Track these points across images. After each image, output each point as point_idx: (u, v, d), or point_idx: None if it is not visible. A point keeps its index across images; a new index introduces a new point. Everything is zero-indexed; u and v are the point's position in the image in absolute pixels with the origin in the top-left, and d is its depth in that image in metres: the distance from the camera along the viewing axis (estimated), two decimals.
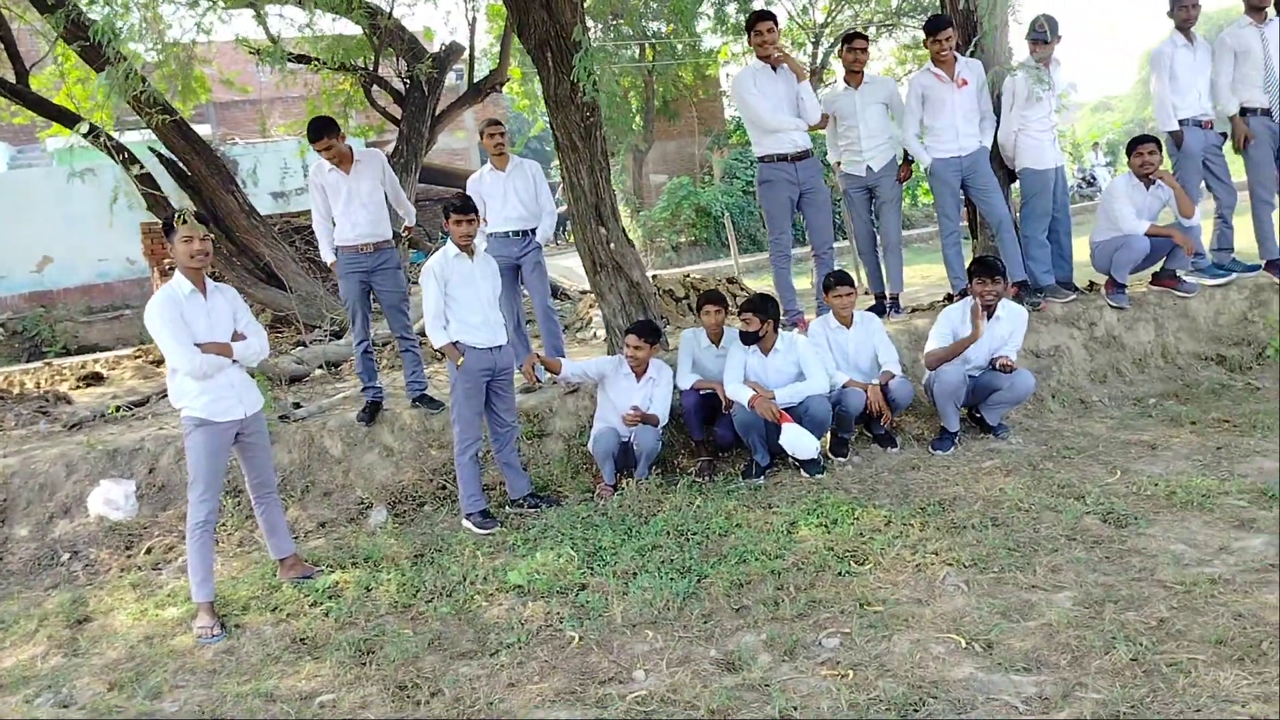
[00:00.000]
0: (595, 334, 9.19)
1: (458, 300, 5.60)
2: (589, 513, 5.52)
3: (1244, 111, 7.12)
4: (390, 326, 6.71)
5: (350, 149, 6.41)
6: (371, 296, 6.59)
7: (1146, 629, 3.50)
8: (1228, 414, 6.04)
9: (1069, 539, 4.42)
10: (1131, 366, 6.93)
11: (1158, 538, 4.32)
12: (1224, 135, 7.31)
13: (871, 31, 21.19)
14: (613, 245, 6.88)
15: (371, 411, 6.55)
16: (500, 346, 5.73)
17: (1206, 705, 2.95)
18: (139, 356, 10.86)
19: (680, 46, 21.48)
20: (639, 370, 6.00)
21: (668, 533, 5.01)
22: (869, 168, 7.22)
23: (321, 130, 6.25)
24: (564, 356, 6.65)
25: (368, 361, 6.61)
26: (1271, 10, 7.09)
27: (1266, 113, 7.04)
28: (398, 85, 12.76)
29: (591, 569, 4.73)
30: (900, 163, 7.30)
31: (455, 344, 5.57)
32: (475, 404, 5.66)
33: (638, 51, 21.63)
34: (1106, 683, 3.18)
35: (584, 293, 10.86)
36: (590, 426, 6.21)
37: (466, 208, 5.62)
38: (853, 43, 7.20)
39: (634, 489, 5.71)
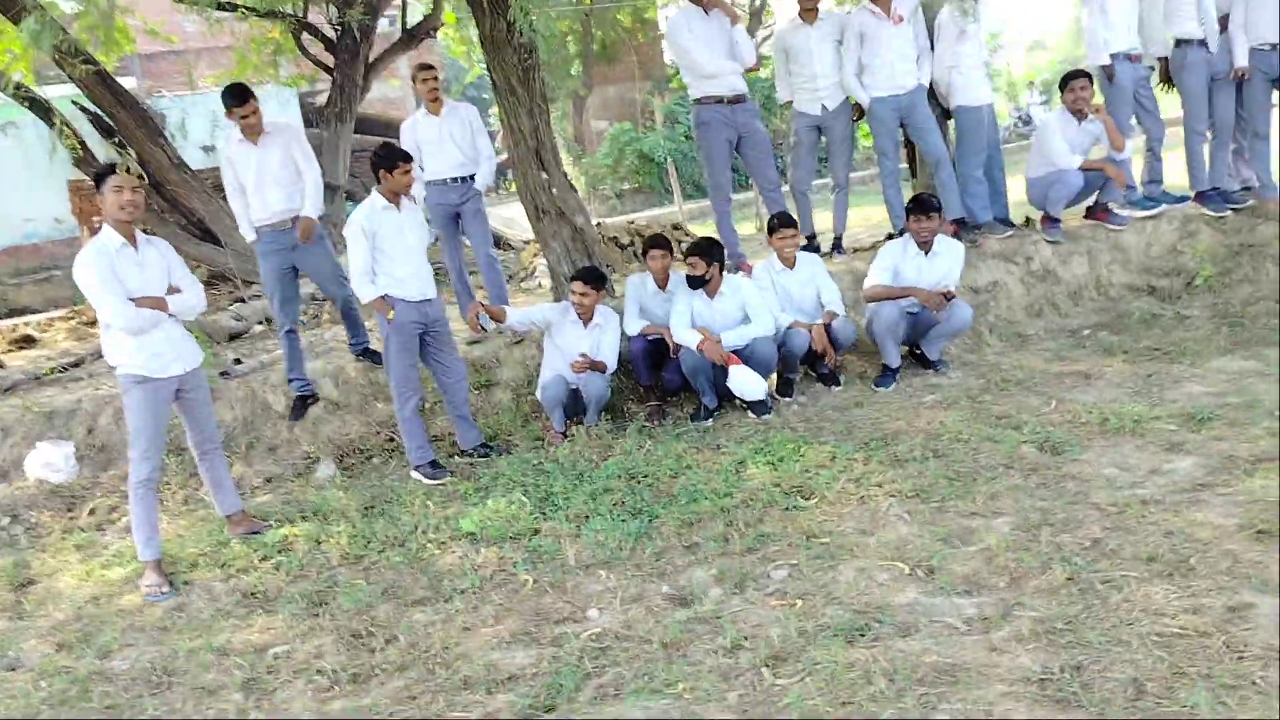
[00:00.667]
0: (540, 283, 9.15)
1: (387, 254, 5.50)
2: (540, 460, 5.54)
3: (1179, 43, 7.23)
4: (332, 297, 6.46)
5: (261, 119, 6.05)
6: (299, 274, 6.30)
7: (1081, 549, 3.62)
8: (1158, 343, 6.20)
9: (1007, 467, 4.53)
10: (1066, 299, 7.08)
11: (1091, 463, 4.46)
12: (1152, 69, 7.43)
13: None
14: (555, 191, 6.82)
15: (299, 407, 6.29)
16: (431, 299, 5.66)
17: (1138, 619, 3.07)
18: (72, 318, 10.61)
19: None
20: (585, 317, 5.99)
21: (619, 476, 5.05)
22: (824, 106, 7.20)
23: (246, 94, 5.90)
24: (508, 305, 6.61)
25: (294, 348, 6.28)
26: None
27: (1202, 44, 7.15)
28: (329, 32, 12.43)
29: (544, 514, 4.76)
30: (853, 103, 7.29)
31: (384, 297, 5.50)
32: (409, 357, 5.61)
33: None
34: (1043, 601, 3.29)
35: (527, 242, 10.79)
36: (538, 375, 6.21)
37: (409, 157, 5.55)
38: None
39: (584, 435, 5.74)
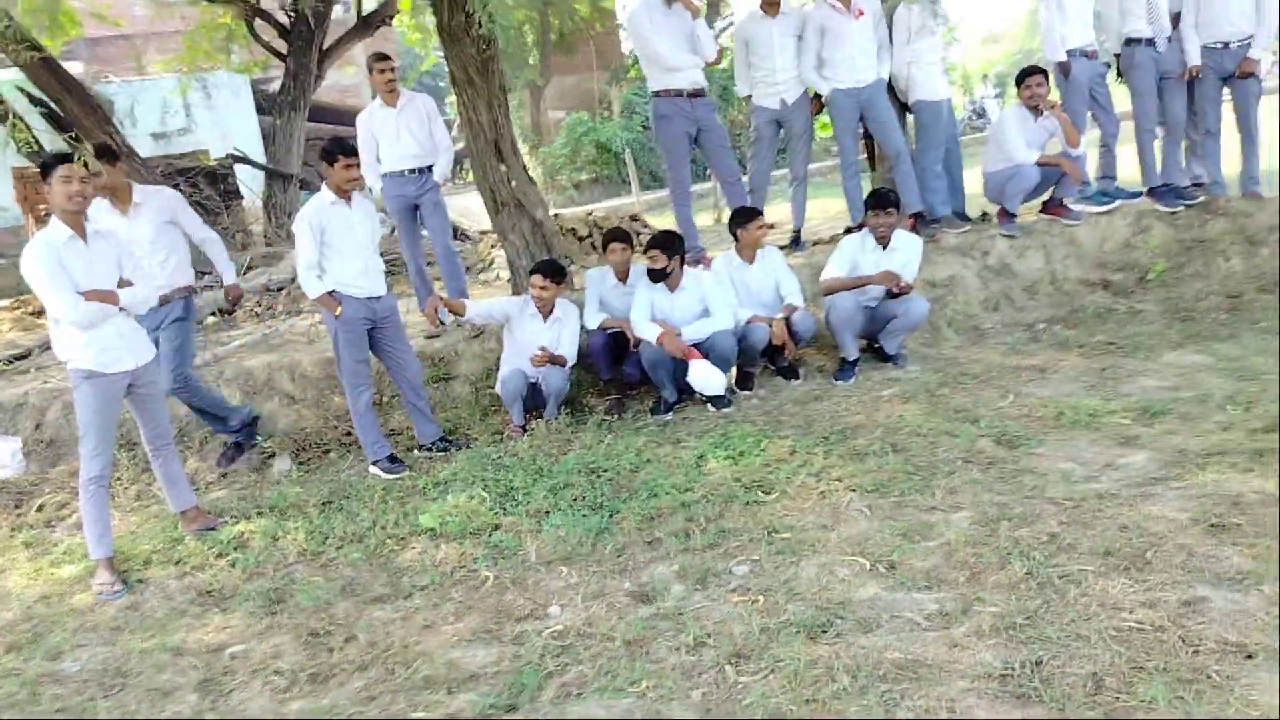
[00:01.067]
0: (498, 275, 9.08)
1: (337, 250, 5.41)
2: (499, 454, 5.50)
3: (1129, 42, 7.31)
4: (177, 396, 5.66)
5: (130, 184, 5.45)
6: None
7: (1039, 544, 3.65)
8: (1112, 337, 6.30)
9: (965, 461, 4.57)
10: (1022, 293, 7.15)
11: (1048, 457, 4.51)
12: (1108, 65, 7.53)
13: None
14: (514, 183, 6.77)
15: (234, 451, 5.87)
16: (380, 296, 5.57)
17: (1096, 613, 3.10)
18: (17, 308, 10.34)
19: None
20: (545, 310, 5.95)
21: (579, 471, 5.03)
22: (783, 100, 7.20)
23: (109, 154, 5.33)
24: (467, 298, 6.55)
25: (198, 393, 5.72)
26: None
27: (1150, 43, 7.24)
28: (282, 18, 12.24)
29: (504, 509, 4.73)
30: (813, 96, 7.30)
31: (331, 293, 5.42)
32: (358, 352, 5.53)
33: None
34: (1003, 596, 3.32)
35: (484, 233, 10.69)
36: (497, 368, 6.16)
37: (351, 151, 5.41)
38: None
39: (544, 429, 5.71)
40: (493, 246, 9.77)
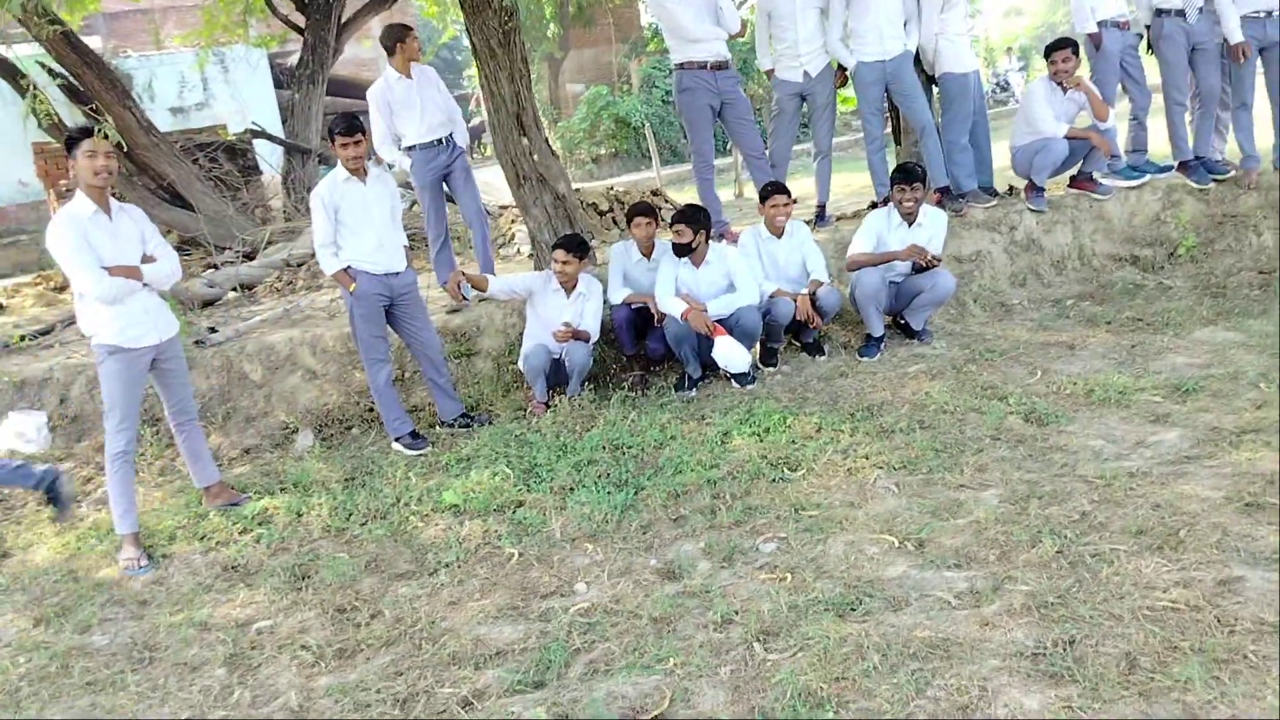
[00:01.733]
0: (519, 250, 9.03)
1: (349, 227, 5.39)
2: (522, 430, 5.49)
3: (1159, 12, 7.16)
4: None
5: None
6: None
7: (1070, 522, 3.61)
8: (1141, 313, 6.22)
9: (993, 439, 4.53)
10: (1050, 269, 7.07)
11: (1078, 434, 4.46)
12: (1140, 36, 7.39)
13: None
14: (536, 156, 6.71)
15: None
16: (398, 273, 5.55)
17: (1129, 593, 3.07)
18: (39, 283, 10.38)
19: None
20: (568, 286, 5.91)
21: (603, 447, 5.01)
22: (806, 73, 7.10)
23: None
24: (494, 269, 6.49)
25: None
26: None
27: (1180, 14, 7.10)
28: None
29: (528, 486, 4.72)
30: (836, 69, 7.21)
31: (346, 270, 5.40)
32: (374, 327, 5.53)
33: None
34: (1034, 575, 3.28)
35: (505, 208, 10.64)
36: (519, 344, 6.13)
37: (352, 129, 5.30)
38: None
39: (567, 405, 5.68)
40: (514, 221, 9.72)
